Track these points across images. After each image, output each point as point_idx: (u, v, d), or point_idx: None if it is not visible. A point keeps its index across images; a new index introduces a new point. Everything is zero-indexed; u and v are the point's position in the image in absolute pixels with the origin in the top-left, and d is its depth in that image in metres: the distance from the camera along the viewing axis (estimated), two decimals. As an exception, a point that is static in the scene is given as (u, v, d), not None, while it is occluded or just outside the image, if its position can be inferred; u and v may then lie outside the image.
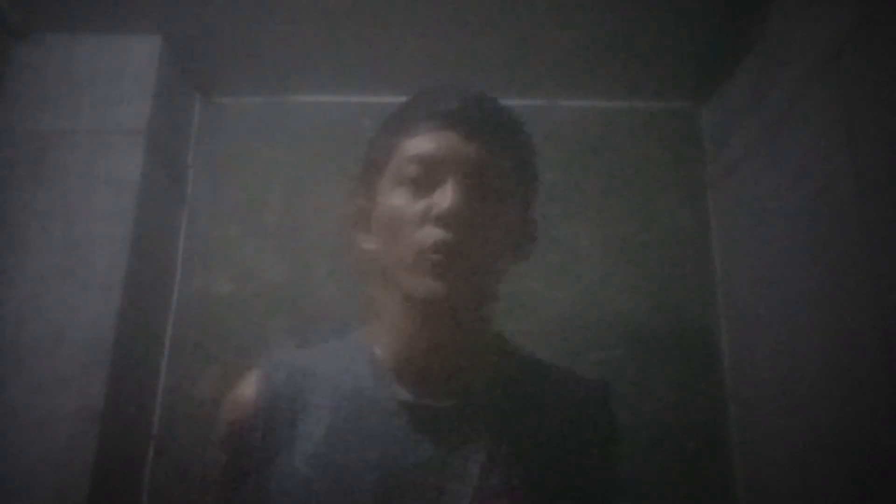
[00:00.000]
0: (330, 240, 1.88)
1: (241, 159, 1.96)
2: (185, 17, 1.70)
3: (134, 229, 1.62)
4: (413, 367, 0.76)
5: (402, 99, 0.82)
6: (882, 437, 1.16)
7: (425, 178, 0.73)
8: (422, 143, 0.74)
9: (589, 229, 1.89)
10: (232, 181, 1.94)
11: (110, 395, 1.51)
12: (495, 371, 0.79)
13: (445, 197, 0.71)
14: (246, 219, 1.90)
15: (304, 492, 0.70)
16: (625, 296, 1.83)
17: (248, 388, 0.78)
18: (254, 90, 1.98)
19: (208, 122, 2.00)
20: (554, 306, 1.83)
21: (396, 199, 0.74)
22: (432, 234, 0.71)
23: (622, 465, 0.81)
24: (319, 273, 1.85)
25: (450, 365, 0.76)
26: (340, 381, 0.77)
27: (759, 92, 1.64)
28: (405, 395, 0.75)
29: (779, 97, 1.54)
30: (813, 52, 1.39)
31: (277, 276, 1.85)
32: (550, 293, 1.84)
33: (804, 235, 1.43)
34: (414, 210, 0.73)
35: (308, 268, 1.85)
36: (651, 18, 1.66)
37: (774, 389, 1.54)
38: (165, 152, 1.80)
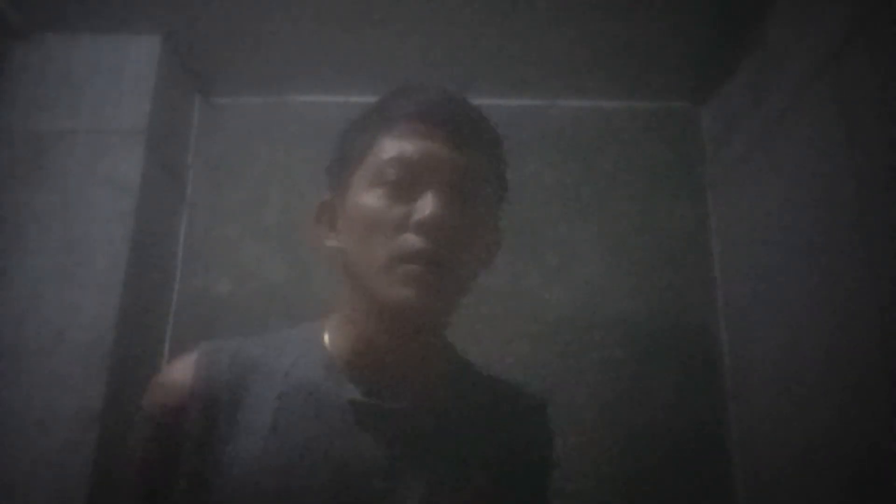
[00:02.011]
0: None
1: (241, 159, 1.96)
2: (185, 17, 1.70)
3: (134, 229, 1.62)
4: (367, 367, 0.74)
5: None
6: (881, 437, 1.16)
7: (406, 182, 0.70)
8: (404, 145, 0.71)
9: (589, 229, 1.89)
10: (232, 181, 1.94)
11: (110, 395, 1.51)
12: (446, 378, 0.78)
13: (427, 205, 0.68)
14: (245, 219, 1.90)
15: (247, 486, 0.67)
16: (625, 296, 1.83)
17: (184, 372, 0.72)
18: (254, 90, 1.98)
19: (208, 122, 2.00)
20: (554, 306, 1.83)
21: (372, 201, 0.71)
22: (410, 241, 0.68)
23: (552, 484, 0.81)
24: (318, 273, 1.85)
25: (404, 369, 0.74)
26: (289, 374, 0.73)
27: (759, 92, 1.64)
28: (356, 393, 0.72)
29: (778, 97, 1.54)
30: (812, 53, 1.39)
31: (277, 276, 1.85)
32: (550, 293, 1.84)
33: (803, 235, 1.43)
34: (392, 214, 0.69)
35: (307, 268, 1.85)
36: (650, 19, 1.66)
37: (774, 389, 1.54)
38: (165, 152, 1.80)
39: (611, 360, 1.78)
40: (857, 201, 1.24)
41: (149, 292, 1.72)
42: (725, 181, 1.83)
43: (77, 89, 1.71)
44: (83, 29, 1.74)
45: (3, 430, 1.47)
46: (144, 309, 1.69)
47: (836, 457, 1.29)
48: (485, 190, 0.74)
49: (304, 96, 1.98)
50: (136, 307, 1.64)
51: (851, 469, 1.25)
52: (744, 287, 1.72)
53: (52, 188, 1.64)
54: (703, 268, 1.86)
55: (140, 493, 0.72)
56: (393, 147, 0.71)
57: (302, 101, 1.98)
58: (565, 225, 1.89)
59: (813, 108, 1.40)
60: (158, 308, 1.79)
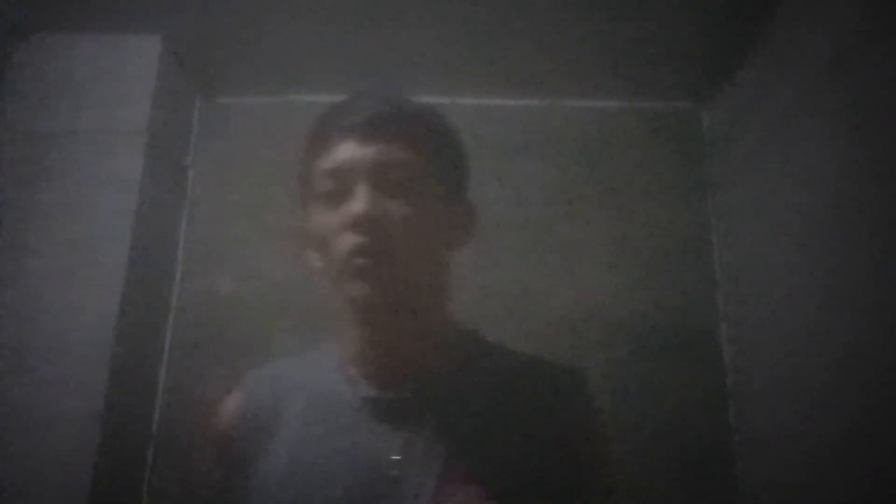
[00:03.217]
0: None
1: (242, 159, 1.96)
2: (185, 17, 1.70)
3: (135, 229, 1.62)
4: (372, 364, 0.80)
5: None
6: (885, 437, 1.16)
7: (338, 189, 0.78)
8: (329, 158, 0.80)
9: (589, 229, 1.89)
10: (232, 181, 1.94)
11: (110, 395, 1.51)
12: (456, 363, 0.82)
13: (354, 203, 0.76)
14: (246, 219, 1.90)
15: (282, 495, 0.75)
16: (626, 296, 1.83)
17: (231, 403, 0.85)
18: (254, 90, 1.97)
19: (208, 122, 1.99)
20: (555, 307, 1.83)
21: (318, 215, 0.80)
22: (350, 240, 0.76)
23: (608, 454, 0.83)
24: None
25: (404, 359, 0.80)
26: (312, 386, 0.82)
27: (763, 92, 1.64)
28: (368, 390, 0.79)
29: (783, 98, 1.53)
30: (819, 53, 1.39)
31: (278, 275, 1.85)
32: (551, 293, 1.84)
33: (805, 236, 1.43)
34: (333, 221, 0.78)
35: (309, 267, 1.85)
36: (653, 18, 1.66)
37: (776, 390, 1.54)
38: (166, 152, 1.80)
39: (612, 360, 1.78)
40: (862, 202, 1.24)
41: (150, 292, 1.72)
42: (728, 181, 1.82)
43: (78, 89, 1.71)
44: (83, 29, 1.74)
45: (5, 430, 1.47)
46: (145, 309, 1.69)
47: (838, 457, 1.28)
48: (418, 176, 0.79)
49: (305, 96, 1.97)
50: (137, 307, 1.64)
51: (856, 471, 1.24)
52: (746, 288, 1.72)
53: (54, 188, 1.64)
54: (705, 268, 1.86)
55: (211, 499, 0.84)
56: (323, 163, 0.81)
57: (303, 100, 1.98)
58: (567, 225, 1.89)
59: (818, 108, 1.39)
60: (159, 308, 1.79)
